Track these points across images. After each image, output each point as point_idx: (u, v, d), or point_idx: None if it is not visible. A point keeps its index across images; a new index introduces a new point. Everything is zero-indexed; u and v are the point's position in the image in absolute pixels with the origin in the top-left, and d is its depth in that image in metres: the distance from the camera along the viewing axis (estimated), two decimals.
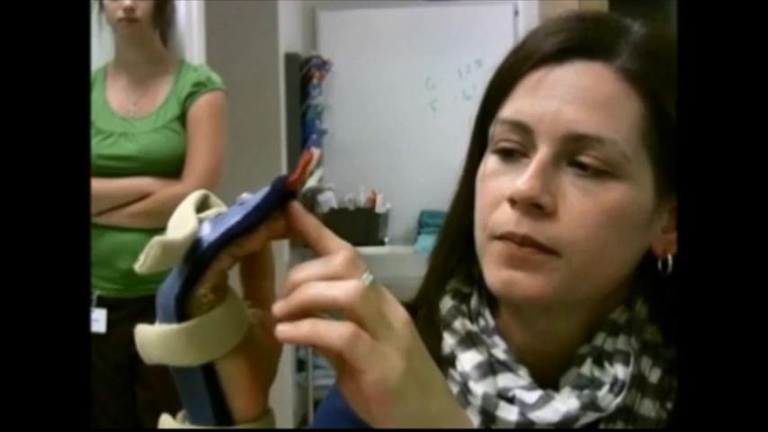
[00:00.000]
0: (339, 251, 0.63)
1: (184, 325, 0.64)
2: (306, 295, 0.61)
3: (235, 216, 0.64)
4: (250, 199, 0.65)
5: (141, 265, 0.61)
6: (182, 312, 0.64)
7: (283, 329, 0.61)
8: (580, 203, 0.75)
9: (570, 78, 0.77)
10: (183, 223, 0.65)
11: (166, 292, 0.65)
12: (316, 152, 4.29)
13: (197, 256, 0.63)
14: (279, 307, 0.62)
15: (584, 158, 0.75)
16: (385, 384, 0.61)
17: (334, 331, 0.60)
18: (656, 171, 0.77)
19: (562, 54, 0.78)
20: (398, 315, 0.64)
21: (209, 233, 0.64)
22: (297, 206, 0.66)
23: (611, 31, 0.79)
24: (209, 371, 0.66)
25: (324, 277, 0.62)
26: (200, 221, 0.65)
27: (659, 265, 0.80)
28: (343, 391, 0.65)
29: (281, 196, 0.65)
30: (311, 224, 0.66)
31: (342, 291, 0.61)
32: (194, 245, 0.63)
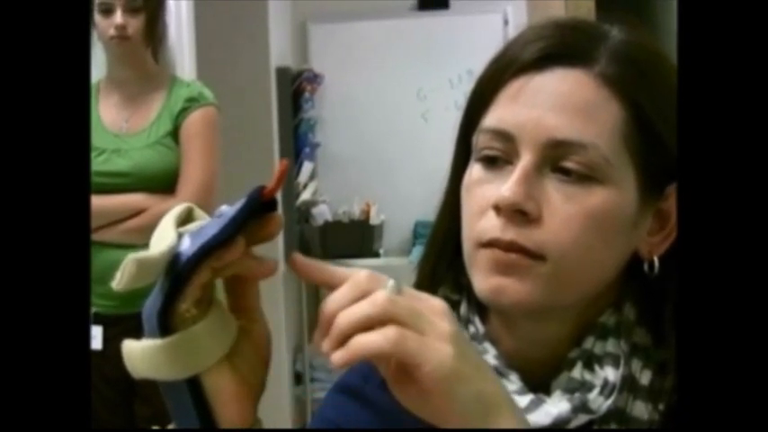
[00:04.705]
0: (356, 274, 0.66)
1: (167, 340, 0.65)
2: (343, 324, 0.63)
3: (212, 229, 0.64)
4: (228, 211, 0.66)
5: (118, 282, 0.62)
6: (165, 327, 0.65)
7: (336, 356, 0.63)
8: (564, 209, 0.76)
9: (550, 85, 0.78)
10: (162, 238, 0.65)
11: (150, 306, 0.66)
12: (308, 165, 4.30)
13: (176, 271, 0.64)
14: (326, 346, 0.64)
15: (567, 164, 0.76)
16: (442, 371, 0.62)
17: (380, 337, 0.62)
18: (639, 174, 0.78)
19: (542, 61, 0.79)
20: (434, 307, 0.65)
21: (188, 247, 0.64)
22: (299, 256, 0.68)
23: (590, 38, 0.80)
24: (194, 384, 0.67)
25: (351, 300, 0.64)
26: (181, 236, 0.65)
27: (645, 267, 0.81)
28: (400, 396, 0.66)
29: (259, 206, 0.65)
30: (322, 269, 0.68)
31: (370, 304, 0.63)
32: (174, 259, 0.64)
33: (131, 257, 0.62)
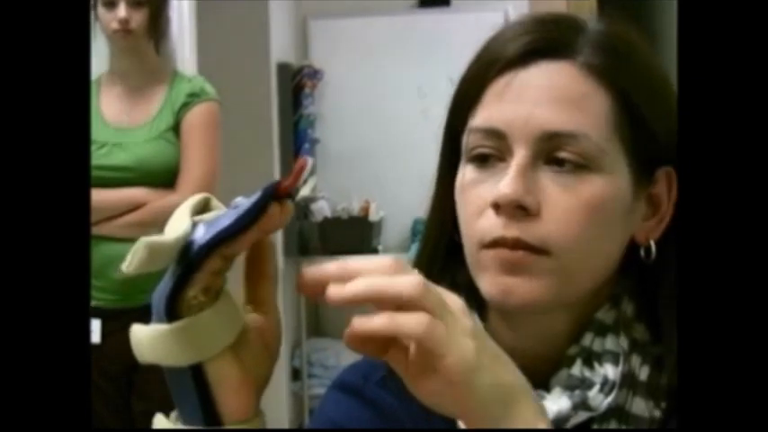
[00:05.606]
0: (382, 258, 0.65)
1: (173, 325, 0.65)
2: (370, 286, 0.62)
3: (227, 219, 0.65)
4: (243, 203, 0.66)
5: (128, 265, 0.62)
6: (172, 313, 0.65)
7: (359, 321, 0.61)
8: (562, 200, 0.76)
9: (537, 80, 0.78)
10: (176, 226, 0.66)
11: (159, 292, 0.66)
12: (309, 160, 4.30)
13: (188, 258, 0.64)
14: (336, 291, 0.62)
15: (561, 154, 0.77)
16: (465, 364, 0.62)
17: (413, 321, 0.61)
18: (630, 160, 0.79)
19: (526, 56, 0.79)
20: (454, 302, 0.65)
21: (201, 236, 0.65)
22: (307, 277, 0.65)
23: (570, 30, 0.80)
24: (197, 371, 0.67)
25: (383, 273, 0.63)
26: (195, 224, 0.66)
27: (642, 253, 0.81)
28: (416, 391, 0.65)
29: (275, 200, 0.66)
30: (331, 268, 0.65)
31: (407, 283, 0.62)
32: (186, 247, 0.64)
33: (143, 241, 0.62)
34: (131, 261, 0.62)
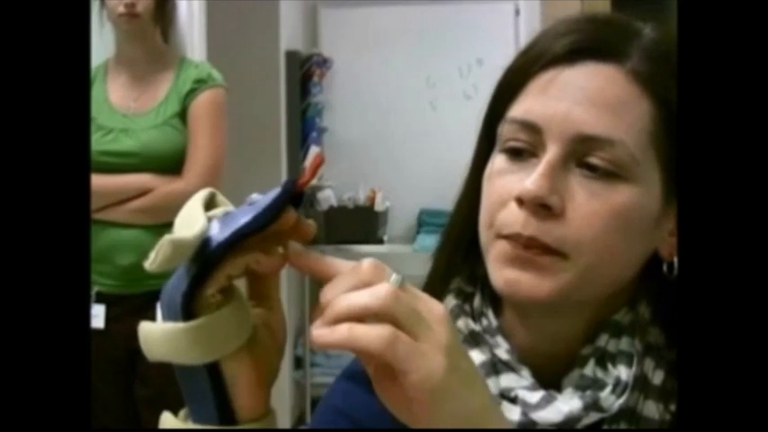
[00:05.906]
0: (360, 262, 0.63)
1: (191, 323, 0.64)
2: (339, 308, 0.61)
3: (245, 216, 0.63)
4: (260, 200, 0.65)
5: (152, 263, 0.61)
6: (188, 311, 0.64)
7: (319, 334, 0.61)
8: (588, 205, 0.75)
9: (581, 79, 0.77)
10: (190, 221, 0.64)
11: (172, 290, 0.65)
12: (317, 149, 4.29)
13: (206, 256, 0.63)
14: (317, 326, 0.62)
15: (593, 160, 0.75)
16: (430, 383, 0.60)
17: (372, 334, 0.59)
18: (665, 174, 0.77)
19: (573, 55, 0.78)
20: (434, 311, 0.63)
21: (217, 233, 0.63)
22: (295, 246, 0.66)
23: (623, 34, 0.79)
24: (213, 370, 0.66)
25: (352, 288, 0.62)
26: (209, 220, 0.65)
27: (665, 268, 0.80)
28: (381, 395, 0.64)
29: (290, 198, 0.65)
30: (315, 259, 0.66)
31: (372, 295, 0.61)
32: (203, 244, 0.63)
33: (167, 239, 0.61)
34: (155, 258, 0.61)
